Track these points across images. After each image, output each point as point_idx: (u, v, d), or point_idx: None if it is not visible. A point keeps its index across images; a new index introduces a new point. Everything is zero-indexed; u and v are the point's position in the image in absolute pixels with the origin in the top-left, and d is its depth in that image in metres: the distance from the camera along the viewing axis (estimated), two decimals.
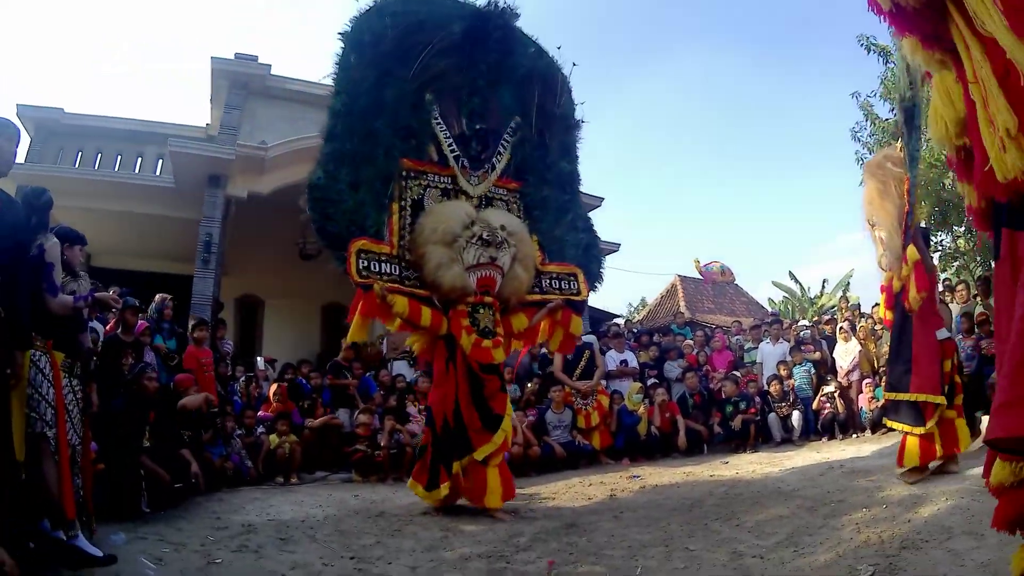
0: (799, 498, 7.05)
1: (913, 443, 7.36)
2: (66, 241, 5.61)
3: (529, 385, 12.68)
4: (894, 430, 7.99)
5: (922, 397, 7.33)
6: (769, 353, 13.99)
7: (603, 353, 13.51)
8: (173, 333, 10.40)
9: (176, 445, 7.81)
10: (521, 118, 8.56)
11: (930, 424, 7.26)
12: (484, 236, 7.57)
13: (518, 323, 8.21)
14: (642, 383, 13.08)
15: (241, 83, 16.35)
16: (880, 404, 8.37)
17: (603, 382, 12.73)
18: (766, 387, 13.09)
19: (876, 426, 11.37)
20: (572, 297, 8.63)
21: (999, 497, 2.69)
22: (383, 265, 7.26)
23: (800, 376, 13.09)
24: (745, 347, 15.58)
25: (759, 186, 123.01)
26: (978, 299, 11.61)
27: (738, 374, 13.65)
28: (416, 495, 7.58)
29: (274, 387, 11.40)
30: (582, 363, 12.45)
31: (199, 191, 14.83)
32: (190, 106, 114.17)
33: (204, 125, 18.14)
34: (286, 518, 7.26)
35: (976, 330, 10.66)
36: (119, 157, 16.97)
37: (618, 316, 25.88)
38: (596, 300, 25.15)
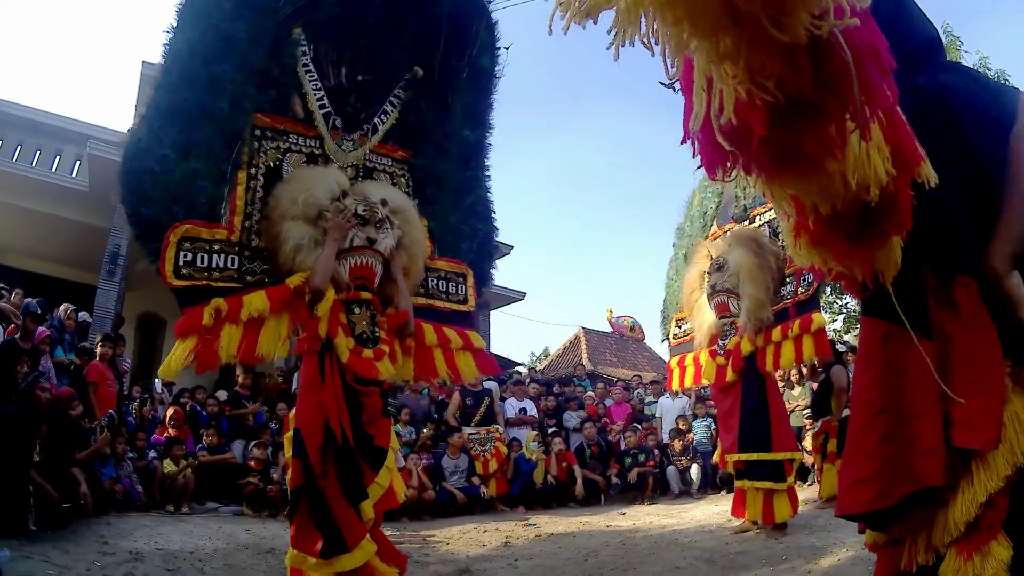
0: (697, 549, 7.09)
1: (782, 500, 7.63)
2: None
3: (425, 430, 12.55)
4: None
5: (787, 455, 7.75)
6: (669, 407, 14.14)
7: (503, 400, 13.48)
8: (74, 345, 10.12)
9: (66, 462, 7.55)
10: (421, 71, 6.73)
11: (791, 479, 7.74)
12: (359, 211, 5.65)
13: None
14: (541, 432, 13.07)
15: None
16: (734, 464, 8.30)
17: (501, 429, 12.69)
18: (665, 440, 13.19)
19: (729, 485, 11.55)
20: (458, 307, 6.70)
21: (876, 553, 2.75)
22: (215, 257, 5.29)
23: (700, 430, 13.24)
24: (645, 400, 15.75)
25: (666, 241, 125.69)
26: None
27: (639, 426, 13.70)
28: (305, 570, 4.82)
29: (170, 411, 11.10)
30: (481, 409, 12.44)
31: (112, 199, 14.36)
32: (119, 108, 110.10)
33: (126, 131, 17.62)
34: (175, 548, 7.06)
35: None
36: (38, 152, 16.50)
37: (520, 364, 25.93)
38: (499, 348, 25.15)
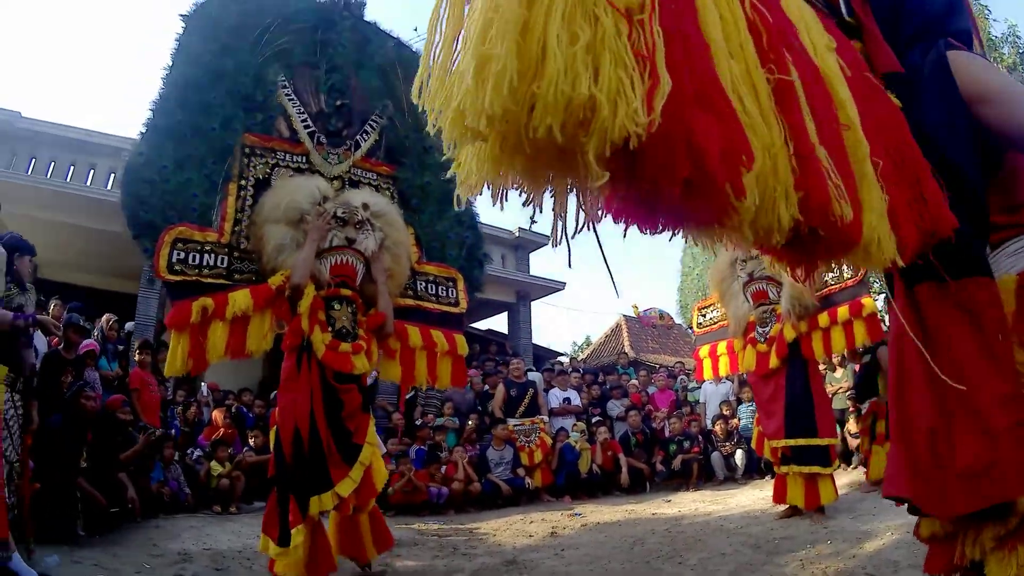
0: (742, 535, 7.07)
1: (826, 484, 7.67)
2: (15, 251, 5.54)
3: (470, 422, 12.61)
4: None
5: (832, 441, 7.84)
6: (712, 393, 14.01)
7: (546, 391, 13.52)
8: (116, 354, 10.26)
9: (113, 468, 7.62)
10: (391, 101, 7.38)
11: (836, 464, 7.85)
12: (339, 213, 6.23)
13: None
14: (585, 421, 13.08)
15: None
16: (776, 450, 8.24)
17: (545, 419, 12.69)
18: (710, 426, 13.10)
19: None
20: (449, 309, 7.15)
21: (929, 546, 2.71)
22: (206, 256, 5.83)
23: (746, 415, 13.05)
24: (688, 387, 15.69)
25: None
26: None
27: (683, 412, 13.70)
28: (270, 556, 5.37)
29: (222, 412, 11.26)
30: (526, 401, 12.45)
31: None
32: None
33: (146, 118, 17.68)
34: (223, 548, 7.13)
35: None
36: (72, 167, 16.55)
37: (563, 355, 25.90)
38: (541, 338, 25.13)
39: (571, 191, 1.78)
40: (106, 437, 7.71)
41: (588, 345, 35.99)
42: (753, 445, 9.85)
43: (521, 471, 11.62)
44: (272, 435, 5.82)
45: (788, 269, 2.37)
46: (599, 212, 1.82)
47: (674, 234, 1.98)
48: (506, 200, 1.79)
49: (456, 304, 7.21)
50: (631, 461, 12.35)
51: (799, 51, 2.12)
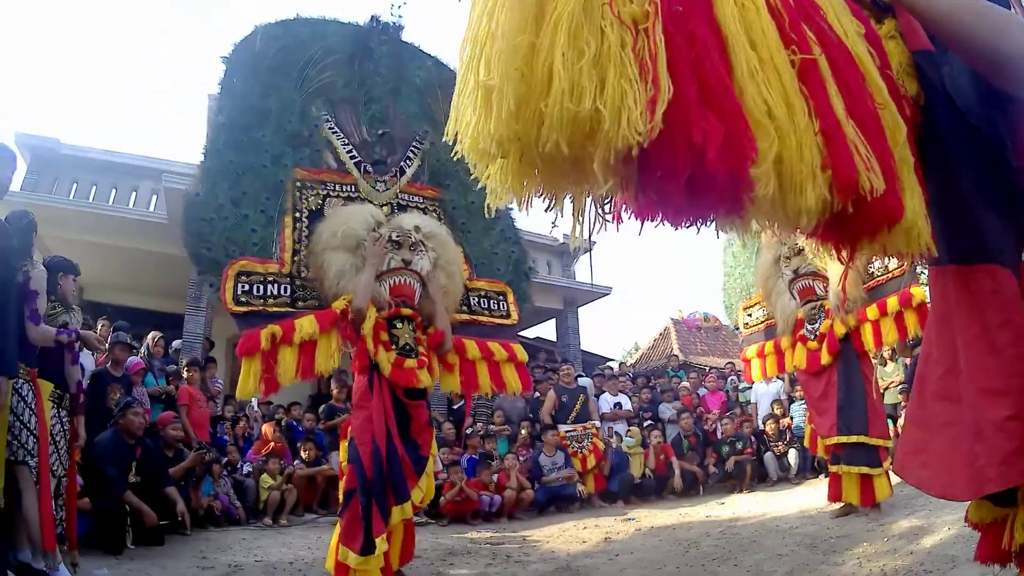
0: (798, 536, 6.99)
1: (881, 480, 7.54)
2: (59, 271, 5.65)
3: (523, 430, 12.57)
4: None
5: (882, 442, 7.67)
6: (763, 393, 13.80)
7: (597, 396, 13.47)
8: (164, 371, 10.37)
9: (162, 482, 7.69)
10: (430, 126, 7.63)
11: (886, 464, 7.55)
12: (393, 237, 6.48)
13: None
14: (638, 425, 13.00)
15: None
16: (829, 448, 8.12)
17: (597, 425, 12.64)
18: (761, 426, 12.95)
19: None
20: (502, 322, 7.39)
21: (980, 532, 2.67)
22: (269, 287, 6.10)
23: (798, 414, 12.82)
24: (739, 387, 15.54)
25: None
26: None
27: (735, 413, 13.57)
28: (348, 563, 5.41)
29: (272, 426, 11.31)
30: (577, 406, 12.43)
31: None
32: (189, 141, 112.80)
33: (199, 161, 17.91)
34: (274, 559, 7.16)
35: None
36: (114, 191, 16.91)
37: (611, 360, 25.80)
38: (590, 344, 25.03)
39: (588, 196, 1.90)
40: (155, 452, 7.83)
41: (637, 350, 35.86)
42: (806, 443, 9.73)
43: (574, 476, 11.55)
44: (344, 447, 6.11)
45: (833, 251, 2.35)
46: (621, 213, 1.92)
47: (700, 228, 1.99)
48: (531, 208, 1.95)
49: (508, 316, 7.46)
50: (684, 464, 12.27)
51: (827, 32, 2.11)
